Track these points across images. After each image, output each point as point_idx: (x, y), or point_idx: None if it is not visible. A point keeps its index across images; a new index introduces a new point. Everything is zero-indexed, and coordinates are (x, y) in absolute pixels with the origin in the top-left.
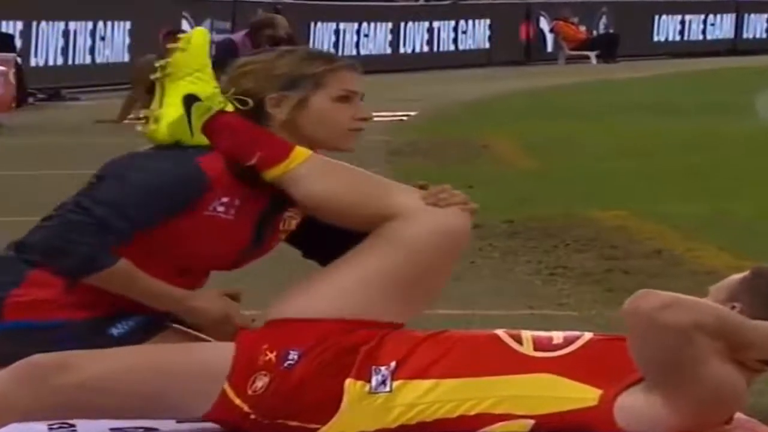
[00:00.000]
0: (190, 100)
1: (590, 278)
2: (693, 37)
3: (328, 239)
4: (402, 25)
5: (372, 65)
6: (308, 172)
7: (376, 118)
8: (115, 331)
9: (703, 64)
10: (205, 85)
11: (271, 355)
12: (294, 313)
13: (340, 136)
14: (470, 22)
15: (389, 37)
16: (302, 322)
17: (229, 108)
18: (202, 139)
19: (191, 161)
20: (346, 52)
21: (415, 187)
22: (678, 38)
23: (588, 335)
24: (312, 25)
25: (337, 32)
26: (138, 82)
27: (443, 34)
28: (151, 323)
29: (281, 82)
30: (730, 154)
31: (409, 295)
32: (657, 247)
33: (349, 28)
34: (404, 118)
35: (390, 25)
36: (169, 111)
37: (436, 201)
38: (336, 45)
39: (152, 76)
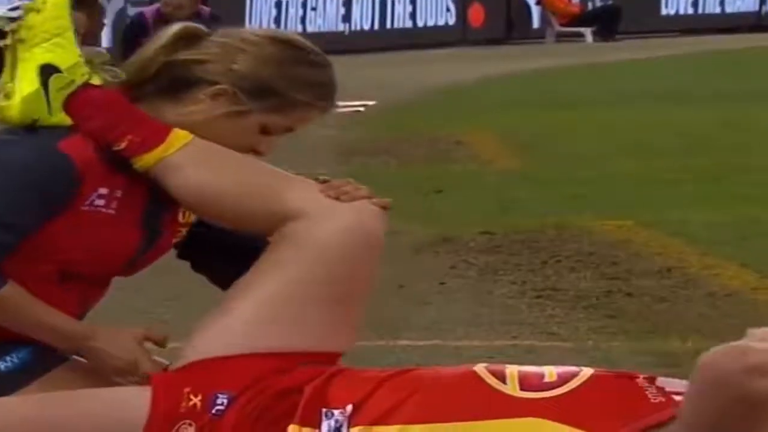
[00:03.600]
0: (47, 72)
1: (586, 302)
2: (709, 10)
3: (217, 247)
4: None
5: (321, 44)
6: (186, 160)
7: None
8: (2, 366)
9: (721, 42)
10: (66, 54)
11: (196, 400)
12: (214, 350)
13: None
14: None
15: (341, 11)
16: (227, 359)
17: (96, 81)
18: (64, 118)
19: (54, 148)
20: (290, 29)
21: (314, 181)
22: (691, 11)
23: (588, 371)
24: None
25: (278, 5)
26: None
27: (399, 8)
28: (47, 355)
29: (251, 84)
30: (755, 151)
31: (332, 309)
32: (667, 264)
33: (292, 1)
34: (360, 108)
35: None
36: (22, 85)
37: (338, 195)
38: (277, 21)
39: (1, 43)
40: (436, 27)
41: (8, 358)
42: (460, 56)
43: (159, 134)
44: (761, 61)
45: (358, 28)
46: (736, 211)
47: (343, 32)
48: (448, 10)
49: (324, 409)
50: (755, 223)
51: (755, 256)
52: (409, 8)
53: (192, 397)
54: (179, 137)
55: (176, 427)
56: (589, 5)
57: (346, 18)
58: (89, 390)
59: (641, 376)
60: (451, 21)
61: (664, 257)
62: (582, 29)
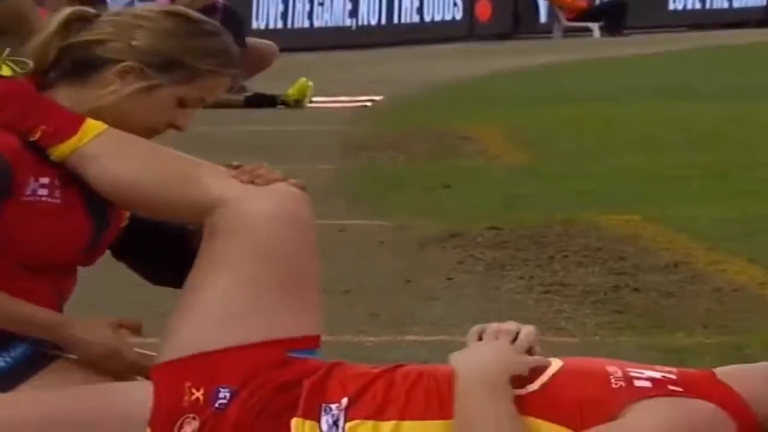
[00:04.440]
0: None
1: (594, 297)
2: (717, 5)
3: (140, 237)
4: None
5: (328, 39)
6: (101, 150)
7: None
8: (1, 362)
9: (729, 38)
10: None
11: (198, 394)
12: (199, 345)
13: (140, 132)
14: None
15: (348, 6)
16: (221, 353)
17: (5, 72)
18: None
19: None
20: (297, 25)
21: (224, 167)
22: (699, 6)
23: (558, 363)
24: None
25: (285, 0)
26: None
27: (406, 3)
28: (41, 351)
29: (155, 58)
30: (762, 147)
31: (289, 293)
32: (674, 259)
33: None
34: (367, 104)
35: None
36: None
37: (252, 179)
38: (284, 16)
39: None
40: (443, 22)
41: (6, 355)
42: (467, 51)
43: (72, 124)
44: None
45: (365, 23)
46: (743, 207)
47: (350, 27)
48: (455, 5)
49: (323, 404)
50: (762, 218)
51: (762, 252)
52: (416, 3)
53: (194, 391)
54: (93, 127)
55: (180, 422)
56: (597, 0)
57: (353, 13)
58: (89, 386)
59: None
60: (458, 16)
61: (672, 252)
62: (590, 24)
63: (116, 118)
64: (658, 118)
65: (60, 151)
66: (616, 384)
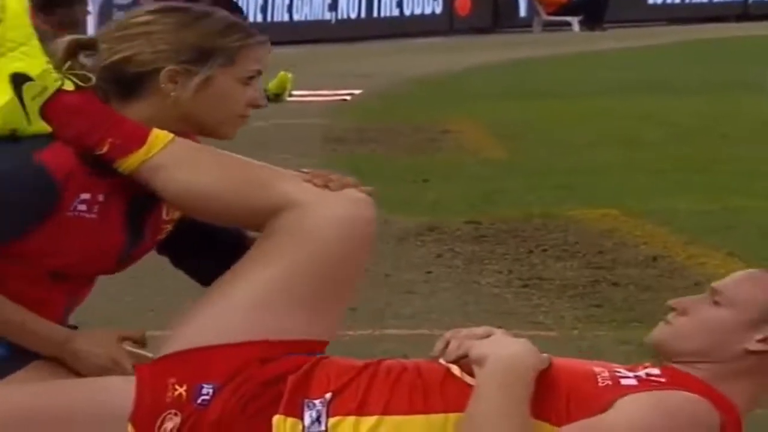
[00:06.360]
0: (18, 81)
1: (572, 291)
2: (696, 0)
3: (199, 242)
4: None
5: (307, 33)
6: (170, 161)
7: (312, 98)
8: None
9: (707, 32)
10: (34, 61)
11: (181, 390)
12: (199, 341)
13: (230, 123)
14: None
15: (328, 0)
16: (212, 349)
17: (68, 86)
18: (42, 126)
19: (31, 160)
20: (276, 18)
21: (299, 173)
22: (678, 1)
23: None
24: None
25: None
26: None
27: None
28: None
29: (188, 54)
30: (741, 141)
31: (323, 298)
32: (653, 253)
33: None
34: (347, 97)
35: None
36: None
37: (326, 183)
38: (264, 9)
39: None
40: (422, 16)
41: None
42: (446, 46)
43: (139, 136)
44: (748, 50)
45: (345, 16)
46: (722, 201)
47: (329, 21)
48: None
49: (306, 400)
50: (741, 212)
51: (741, 246)
52: None
53: (177, 387)
54: (160, 138)
55: (161, 418)
56: None
57: (333, 7)
58: (72, 380)
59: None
60: (438, 10)
61: (650, 246)
62: (569, 18)
63: (196, 121)
64: (638, 113)
65: (128, 163)
66: (603, 383)
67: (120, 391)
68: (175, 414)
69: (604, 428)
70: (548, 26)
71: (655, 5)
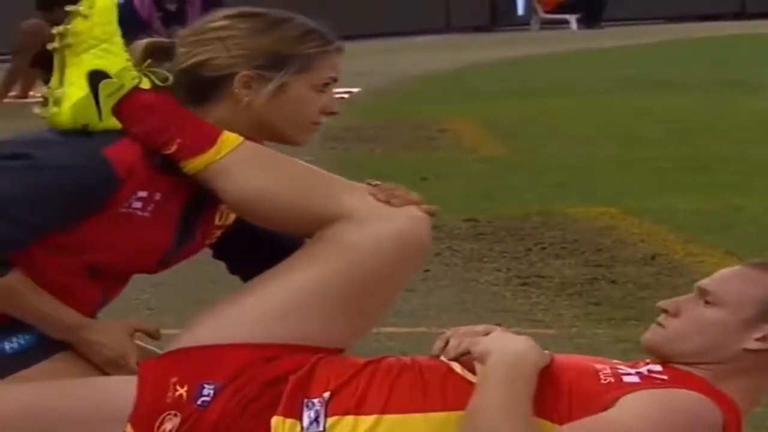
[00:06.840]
0: (96, 77)
1: (570, 289)
2: None
3: (256, 249)
4: None
5: None
6: (237, 164)
7: None
8: (8, 347)
9: (704, 30)
10: (115, 59)
11: (182, 391)
12: (212, 338)
13: (303, 130)
14: None
15: None
16: (217, 349)
17: (145, 84)
18: (113, 122)
19: (97, 153)
20: None
21: (364, 184)
22: None
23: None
24: None
25: None
26: (22, 51)
27: None
28: (51, 340)
29: (263, 60)
30: (739, 139)
31: (353, 312)
32: (651, 251)
33: None
34: (344, 95)
35: None
36: (71, 90)
37: (389, 198)
38: None
39: (49, 46)
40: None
41: (14, 339)
42: (444, 44)
43: (209, 138)
44: (745, 49)
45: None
46: (721, 199)
47: None
48: None
49: (305, 399)
50: (739, 211)
51: (739, 244)
52: None
53: (178, 387)
54: (229, 140)
55: (161, 418)
56: None
57: None
58: (74, 380)
59: (601, 363)
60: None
61: (649, 245)
62: (567, 16)
63: (269, 127)
64: (636, 111)
65: (194, 164)
66: (605, 380)
67: (121, 391)
68: (175, 414)
69: (607, 427)
70: (546, 24)
71: (651, 4)
